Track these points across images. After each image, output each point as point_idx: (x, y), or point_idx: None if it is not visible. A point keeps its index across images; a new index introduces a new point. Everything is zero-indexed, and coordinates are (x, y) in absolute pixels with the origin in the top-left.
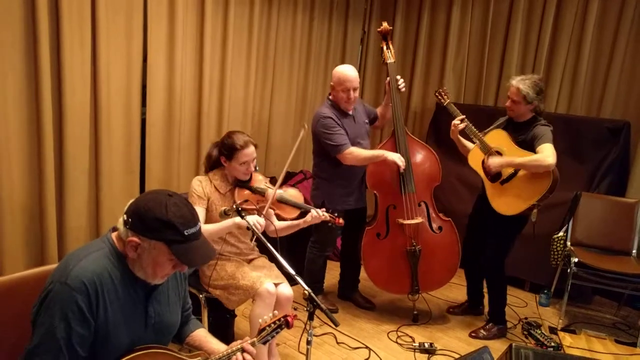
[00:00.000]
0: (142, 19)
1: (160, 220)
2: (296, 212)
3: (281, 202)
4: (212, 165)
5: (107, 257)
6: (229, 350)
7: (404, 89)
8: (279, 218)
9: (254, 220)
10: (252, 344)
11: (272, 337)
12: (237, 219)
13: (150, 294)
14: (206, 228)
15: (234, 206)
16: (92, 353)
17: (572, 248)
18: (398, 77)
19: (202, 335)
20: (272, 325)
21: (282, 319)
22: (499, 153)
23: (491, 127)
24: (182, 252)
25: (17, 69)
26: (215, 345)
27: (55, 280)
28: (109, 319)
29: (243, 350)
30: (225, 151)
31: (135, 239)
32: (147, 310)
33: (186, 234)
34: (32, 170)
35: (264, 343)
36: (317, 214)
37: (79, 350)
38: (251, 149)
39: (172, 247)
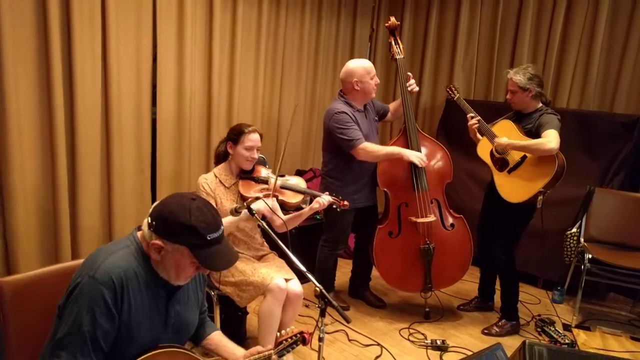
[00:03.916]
0: (152, 20)
1: (183, 225)
2: (299, 197)
3: (284, 188)
4: (218, 159)
5: (134, 255)
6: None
7: (416, 89)
8: (284, 204)
9: (261, 205)
10: (269, 357)
11: (288, 351)
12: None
13: (172, 294)
14: None
15: (245, 203)
16: (113, 348)
17: (585, 244)
18: (409, 74)
19: (217, 339)
20: (289, 339)
21: (299, 335)
22: None
23: (499, 119)
24: (205, 257)
25: (29, 70)
26: (231, 349)
27: (84, 274)
28: (132, 316)
29: None
30: (232, 136)
31: (158, 242)
32: (168, 310)
33: (209, 238)
34: (45, 170)
35: (280, 356)
36: (322, 200)
37: (102, 345)
38: (257, 136)
39: (194, 252)
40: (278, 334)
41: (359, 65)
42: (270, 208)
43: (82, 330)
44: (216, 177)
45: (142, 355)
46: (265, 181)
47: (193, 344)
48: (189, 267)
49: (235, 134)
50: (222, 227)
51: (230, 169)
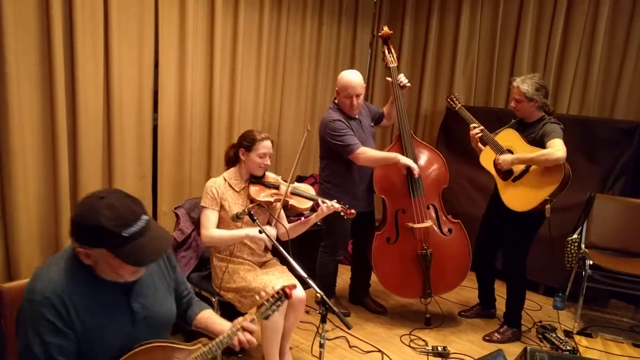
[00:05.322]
0: (154, 26)
1: (93, 228)
2: (309, 203)
3: (294, 194)
4: (229, 163)
5: (72, 263)
6: (229, 332)
7: (409, 84)
8: (293, 209)
9: (268, 231)
10: (252, 321)
11: (273, 311)
12: (249, 231)
13: (129, 290)
14: (220, 234)
15: (246, 209)
16: (84, 357)
17: (586, 250)
18: (400, 75)
19: (207, 316)
20: (271, 299)
21: (281, 291)
22: (510, 152)
23: (502, 128)
24: (127, 254)
25: (32, 75)
26: (220, 326)
27: (24, 297)
28: (88, 325)
29: (243, 329)
30: (246, 143)
31: (80, 249)
32: (132, 307)
33: (126, 235)
34: (47, 175)
35: (266, 318)
36: (329, 205)
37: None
38: (269, 143)
39: (114, 252)
40: (257, 297)
41: (341, 79)
42: (270, 238)
43: (33, 352)
44: (226, 181)
45: None
46: (276, 186)
47: (186, 326)
48: (124, 265)
49: (249, 141)
50: (143, 218)
51: (240, 174)
